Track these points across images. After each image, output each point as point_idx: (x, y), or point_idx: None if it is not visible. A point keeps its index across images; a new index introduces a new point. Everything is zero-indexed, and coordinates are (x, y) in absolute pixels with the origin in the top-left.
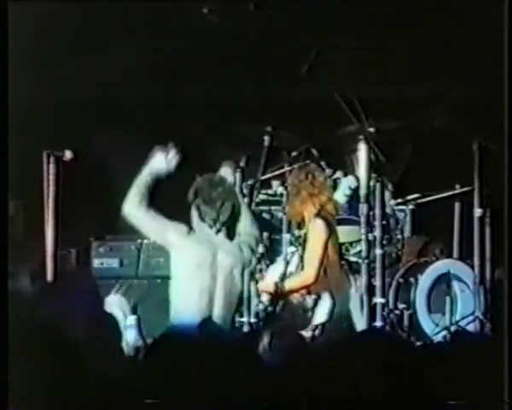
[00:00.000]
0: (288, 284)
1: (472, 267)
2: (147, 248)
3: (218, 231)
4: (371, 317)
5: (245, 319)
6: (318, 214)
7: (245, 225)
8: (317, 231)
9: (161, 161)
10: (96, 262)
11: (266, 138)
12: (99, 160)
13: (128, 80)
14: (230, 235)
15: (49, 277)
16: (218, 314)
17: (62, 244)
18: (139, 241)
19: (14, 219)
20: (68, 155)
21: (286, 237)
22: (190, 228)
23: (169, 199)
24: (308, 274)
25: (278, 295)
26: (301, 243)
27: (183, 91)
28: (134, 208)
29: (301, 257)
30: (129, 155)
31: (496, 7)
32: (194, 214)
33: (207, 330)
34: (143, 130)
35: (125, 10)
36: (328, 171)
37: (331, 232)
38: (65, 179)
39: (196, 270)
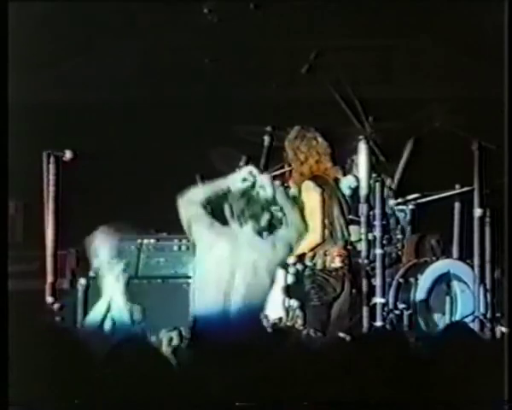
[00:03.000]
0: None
1: (472, 267)
2: (147, 248)
3: (241, 224)
4: (371, 317)
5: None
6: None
7: (285, 223)
8: (309, 192)
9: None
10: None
11: (266, 138)
12: (99, 160)
13: (128, 80)
14: (259, 230)
15: (49, 277)
16: (236, 309)
17: (62, 244)
18: (139, 241)
19: (14, 219)
20: (68, 155)
21: None
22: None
23: (169, 199)
24: (313, 236)
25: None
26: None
27: (183, 91)
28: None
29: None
30: (129, 154)
31: (496, 7)
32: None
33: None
34: (143, 130)
35: (125, 10)
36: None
37: (324, 190)
38: (65, 179)
39: (215, 265)
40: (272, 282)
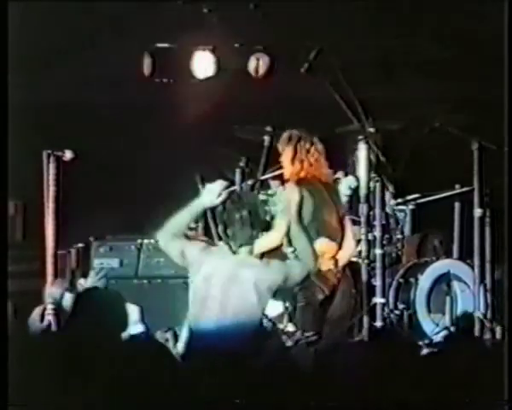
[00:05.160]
0: (257, 244)
1: (472, 267)
2: (147, 248)
3: (234, 252)
4: (371, 317)
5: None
6: (302, 179)
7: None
8: (289, 194)
9: (211, 197)
10: (95, 262)
11: (266, 138)
12: (99, 160)
13: (128, 80)
14: (251, 252)
15: (49, 277)
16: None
17: (62, 244)
18: (139, 241)
19: (14, 219)
20: (68, 155)
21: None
22: (208, 244)
23: (169, 199)
24: (275, 236)
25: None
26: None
27: (182, 91)
28: (165, 241)
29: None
30: (129, 155)
31: (496, 7)
32: (220, 228)
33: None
34: (143, 130)
35: (125, 10)
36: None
37: (304, 196)
38: (65, 179)
39: (203, 281)
40: (264, 304)
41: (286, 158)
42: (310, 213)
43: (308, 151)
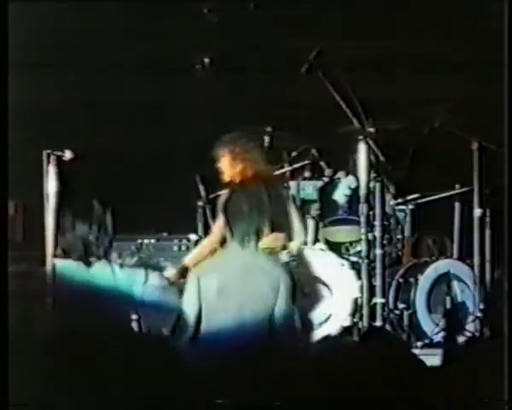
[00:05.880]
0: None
1: (472, 267)
2: (147, 248)
3: (245, 246)
4: (371, 317)
5: None
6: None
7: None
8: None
9: None
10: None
11: (266, 138)
12: (99, 160)
13: (128, 80)
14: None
15: (49, 277)
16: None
17: (62, 244)
18: (139, 241)
19: (14, 219)
20: (68, 155)
21: None
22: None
23: (170, 199)
24: (209, 239)
25: None
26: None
27: (182, 91)
28: None
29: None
30: (129, 154)
31: (496, 7)
32: (227, 228)
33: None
34: (143, 130)
35: (125, 10)
36: (328, 171)
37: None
38: (65, 179)
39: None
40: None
41: (225, 161)
42: (252, 213)
43: (247, 150)
